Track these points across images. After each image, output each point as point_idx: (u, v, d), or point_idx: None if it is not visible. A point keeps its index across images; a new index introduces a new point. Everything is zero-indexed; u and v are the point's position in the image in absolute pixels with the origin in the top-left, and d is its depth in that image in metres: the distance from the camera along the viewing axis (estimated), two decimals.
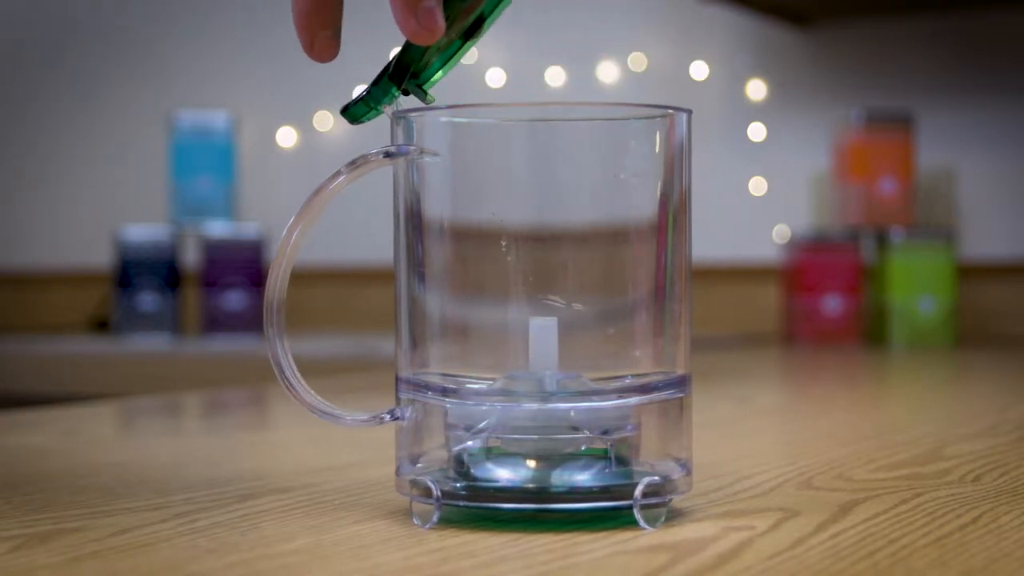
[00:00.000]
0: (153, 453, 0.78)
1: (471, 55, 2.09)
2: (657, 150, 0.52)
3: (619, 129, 0.52)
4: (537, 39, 2.09)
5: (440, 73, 0.53)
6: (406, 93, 0.53)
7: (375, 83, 0.52)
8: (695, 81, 2.00)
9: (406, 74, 0.52)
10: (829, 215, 1.87)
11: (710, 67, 2.00)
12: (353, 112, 0.53)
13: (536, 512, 0.50)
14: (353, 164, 0.52)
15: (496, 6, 0.52)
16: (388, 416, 0.53)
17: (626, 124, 0.52)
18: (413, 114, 0.52)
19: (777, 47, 1.97)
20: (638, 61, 2.01)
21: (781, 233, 1.90)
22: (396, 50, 0.53)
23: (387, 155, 0.52)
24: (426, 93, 0.53)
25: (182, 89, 2.34)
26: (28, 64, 2.48)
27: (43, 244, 2.46)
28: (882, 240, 1.73)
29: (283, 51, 2.25)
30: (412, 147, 0.52)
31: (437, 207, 0.52)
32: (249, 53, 2.29)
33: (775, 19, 1.91)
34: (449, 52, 0.53)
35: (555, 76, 2.05)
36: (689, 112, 0.53)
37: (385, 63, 0.53)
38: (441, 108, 0.51)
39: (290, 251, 0.52)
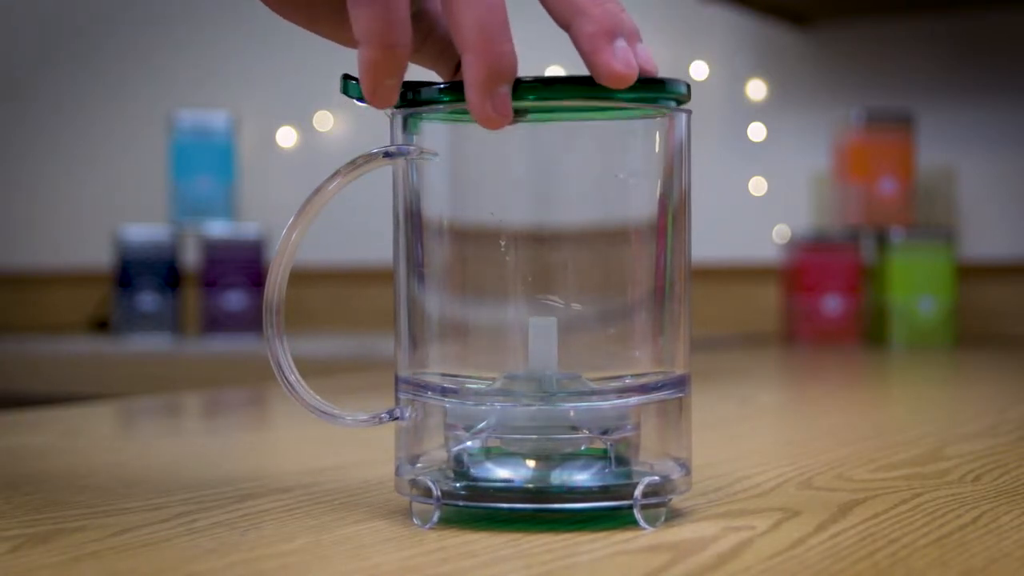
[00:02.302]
0: (153, 453, 0.78)
1: None
2: (657, 150, 0.52)
3: (619, 129, 0.52)
4: (537, 39, 2.08)
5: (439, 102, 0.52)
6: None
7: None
8: (695, 81, 2.00)
9: (413, 105, 0.51)
10: (829, 215, 1.87)
11: (710, 67, 2.00)
12: (350, 92, 0.52)
13: (536, 512, 0.50)
14: (352, 164, 0.52)
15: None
16: (387, 416, 0.53)
17: (625, 124, 0.52)
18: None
19: (777, 47, 1.97)
20: None
21: (781, 233, 1.90)
22: (412, 87, 0.51)
23: (387, 155, 0.52)
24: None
25: (182, 89, 2.34)
26: (28, 64, 2.48)
27: (43, 244, 2.46)
28: (882, 240, 1.73)
29: (283, 51, 2.25)
30: (412, 147, 0.52)
31: (436, 207, 0.52)
32: (249, 53, 2.29)
33: (775, 19, 1.91)
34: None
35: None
36: (689, 112, 0.53)
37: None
38: (440, 108, 0.51)
39: (290, 251, 0.52)
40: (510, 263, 0.51)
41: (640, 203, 0.52)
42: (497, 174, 0.52)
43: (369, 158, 0.52)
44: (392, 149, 0.52)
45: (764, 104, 1.98)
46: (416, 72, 0.53)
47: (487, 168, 0.52)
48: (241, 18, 2.30)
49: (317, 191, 0.52)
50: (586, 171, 0.52)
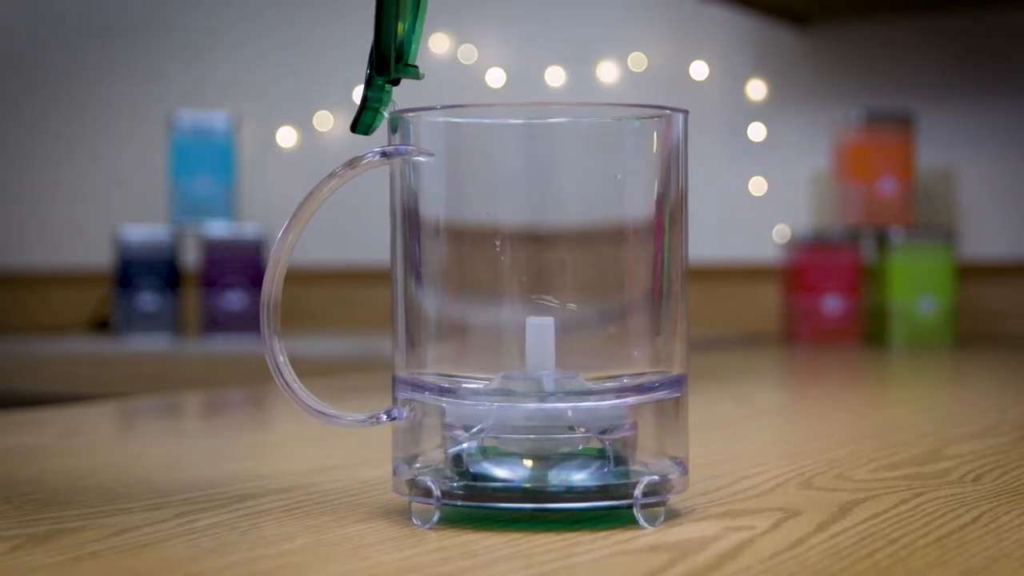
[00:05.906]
0: (153, 453, 0.78)
1: (470, 53, 2.09)
2: (654, 150, 0.52)
3: (616, 129, 0.52)
4: (537, 39, 2.09)
5: (415, 44, 0.53)
6: (396, 82, 0.52)
7: (368, 86, 0.52)
8: (695, 81, 2.00)
9: (389, 62, 0.52)
10: (829, 215, 1.87)
11: (710, 67, 2.00)
12: (364, 121, 0.53)
13: (534, 511, 0.50)
14: (349, 164, 0.52)
15: None
16: (385, 416, 0.53)
17: (623, 124, 0.52)
18: (410, 114, 0.52)
19: (777, 47, 1.97)
20: (638, 61, 2.01)
21: (781, 233, 1.90)
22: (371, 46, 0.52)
23: (383, 155, 0.52)
24: (416, 68, 0.53)
25: (182, 89, 2.34)
26: (28, 64, 2.48)
27: (43, 244, 2.46)
28: (882, 240, 1.73)
29: (283, 51, 2.25)
30: (408, 147, 0.52)
31: (433, 207, 0.52)
32: (249, 53, 2.29)
33: (775, 19, 1.91)
34: (414, 18, 0.52)
35: (555, 76, 2.05)
36: (686, 112, 0.53)
37: (366, 65, 0.53)
38: (437, 108, 0.51)
39: (286, 252, 0.52)
40: (506, 263, 0.51)
41: (637, 203, 0.52)
42: (494, 174, 0.52)
43: (365, 158, 0.52)
44: (389, 149, 0.52)
45: (764, 104, 1.98)
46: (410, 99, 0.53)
47: (484, 168, 0.52)
48: (240, 19, 2.30)
49: (313, 192, 0.52)
50: (583, 171, 0.52)
